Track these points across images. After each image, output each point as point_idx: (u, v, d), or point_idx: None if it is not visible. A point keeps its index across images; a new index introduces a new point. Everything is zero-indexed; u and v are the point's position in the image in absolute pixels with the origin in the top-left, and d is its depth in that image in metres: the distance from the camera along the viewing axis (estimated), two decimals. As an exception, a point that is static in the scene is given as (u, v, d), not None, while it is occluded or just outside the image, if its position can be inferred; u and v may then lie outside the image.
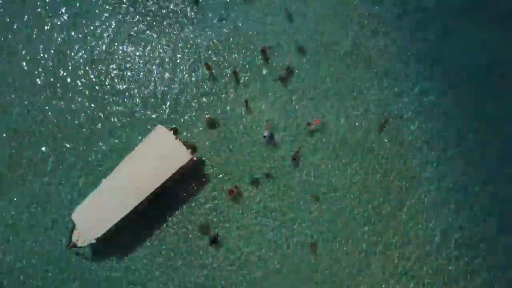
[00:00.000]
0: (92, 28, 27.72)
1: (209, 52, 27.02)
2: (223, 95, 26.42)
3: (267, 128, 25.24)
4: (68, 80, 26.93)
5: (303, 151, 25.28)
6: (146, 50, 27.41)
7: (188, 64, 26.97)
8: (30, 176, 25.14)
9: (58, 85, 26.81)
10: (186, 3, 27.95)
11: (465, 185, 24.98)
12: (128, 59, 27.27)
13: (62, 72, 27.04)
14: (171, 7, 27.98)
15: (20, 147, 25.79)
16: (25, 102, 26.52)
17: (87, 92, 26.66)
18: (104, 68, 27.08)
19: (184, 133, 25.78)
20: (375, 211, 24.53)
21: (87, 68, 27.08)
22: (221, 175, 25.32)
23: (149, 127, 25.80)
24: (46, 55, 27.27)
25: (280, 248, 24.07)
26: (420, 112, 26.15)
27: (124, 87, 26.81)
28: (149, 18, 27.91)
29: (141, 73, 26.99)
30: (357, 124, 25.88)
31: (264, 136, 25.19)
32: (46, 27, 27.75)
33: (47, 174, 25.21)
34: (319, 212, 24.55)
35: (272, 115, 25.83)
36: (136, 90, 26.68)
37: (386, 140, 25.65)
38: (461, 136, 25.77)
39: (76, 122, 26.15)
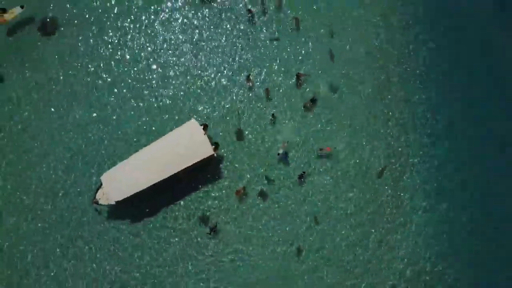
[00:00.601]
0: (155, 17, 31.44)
1: (253, 65, 30.47)
2: (253, 105, 29.76)
3: (283, 146, 28.41)
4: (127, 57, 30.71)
5: (309, 172, 28.35)
6: (199, 55, 30.97)
7: (232, 71, 30.42)
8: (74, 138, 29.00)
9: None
10: (242, 19, 31.47)
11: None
12: (177, 57, 30.87)
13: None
14: (231, 15, 31.50)
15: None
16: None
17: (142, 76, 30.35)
18: (159, 58, 30.75)
19: (211, 131, 29.06)
20: (361, 241, 27.41)
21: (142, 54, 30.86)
22: (233, 176, 28.48)
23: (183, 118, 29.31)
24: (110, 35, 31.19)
25: (266, 249, 27.11)
26: (425, 162, 29.03)
27: (172, 78, 30.39)
28: (205, 24, 31.53)
29: (189, 69, 30.44)
30: (363, 159, 28.81)
31: (278, 154, 28.33)
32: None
33: (91, 135, 28.97)
34: (311, 230, 27.54)
35: (290, 135, 29.04)
36: (182, 82, 30.19)
37: (385, 182, 28.58)
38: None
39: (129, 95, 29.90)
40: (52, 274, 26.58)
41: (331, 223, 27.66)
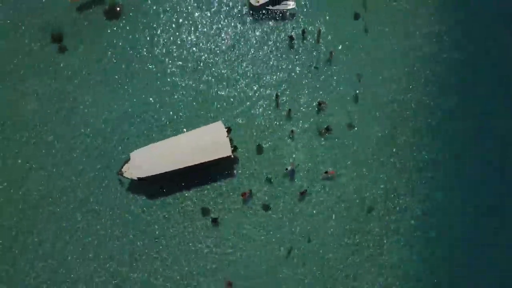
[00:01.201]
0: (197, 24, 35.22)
1: (284, 85, 33.86)
2: (275, 121, 33.09)
3: (291, 164, 31.69)
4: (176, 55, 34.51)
5: (310, 190, 31.50)
6: (240, 66, 34.59)
7: (264, 86, 33.92)
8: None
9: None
10: (283, 43, 34.89)
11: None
12: (221, 63, 34.48)
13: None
14: (275, 38, 35.04)
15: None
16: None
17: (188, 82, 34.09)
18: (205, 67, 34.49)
19: (233, 134, 32.43)
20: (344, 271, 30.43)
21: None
22: (242, 179, 31.80)
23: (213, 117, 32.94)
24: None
25: (259, 249, 30.39)
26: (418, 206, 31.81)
27: (212, 81, 34.11)
28: (251, 40, 35.05)
29: (229, 76, 34.12)
30: (361, 188, 31.79)
31: (286, 169, 31.63)
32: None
33: (131, 112, 32.96)
34: (302, 242, 30.67)
35: (301, 155, 32.28)
36: (220, 86, 33.89)
37: (376, 216, 31.44)
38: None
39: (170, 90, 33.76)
40: (69, 228, 30.35)
41: (319, 239, 30.64)
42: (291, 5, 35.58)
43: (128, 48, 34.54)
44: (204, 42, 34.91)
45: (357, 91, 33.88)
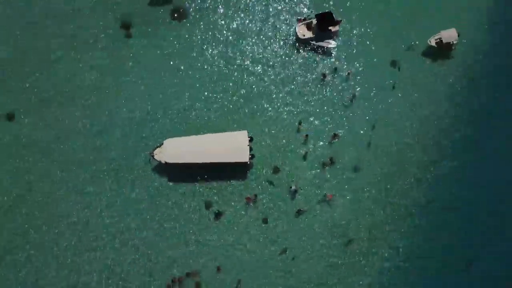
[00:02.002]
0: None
1: (308, 114, 38.24)
2: (292, 143, 37.44)
3: (295, 185, 35.95)
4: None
5: (307, 210, 35.62)
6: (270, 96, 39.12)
7: (292, 113, 38.31)
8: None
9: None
10: (315, 80, 39.26)
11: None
12: (263, 82, 39.07)
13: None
14: (310, 74, 39.48)
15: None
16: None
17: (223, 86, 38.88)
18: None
19: (254, 145, 36.82)
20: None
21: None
22: (251, 185, 36.18)
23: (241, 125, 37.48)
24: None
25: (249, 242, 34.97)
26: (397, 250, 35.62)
27: (253, 94, 38.76)
28: (291, 68, 39.49)
29: (265, 93, 38.67)
30: (355, 217, 35.78)
31: (291, 187, 35.97)
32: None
33: (174, 106, 37.85)
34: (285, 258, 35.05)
35: (305, 178, 36.50)
36: (256, 102, 38.51)
37: (358, 249, 35.39)
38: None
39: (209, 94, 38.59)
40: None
41: (303, 257, 34.95)
42: (332, 44, 39.73)
43: (181, 49, 39.32)
44: (249, 60, 39.43)
45: (371, 134, 37.85)
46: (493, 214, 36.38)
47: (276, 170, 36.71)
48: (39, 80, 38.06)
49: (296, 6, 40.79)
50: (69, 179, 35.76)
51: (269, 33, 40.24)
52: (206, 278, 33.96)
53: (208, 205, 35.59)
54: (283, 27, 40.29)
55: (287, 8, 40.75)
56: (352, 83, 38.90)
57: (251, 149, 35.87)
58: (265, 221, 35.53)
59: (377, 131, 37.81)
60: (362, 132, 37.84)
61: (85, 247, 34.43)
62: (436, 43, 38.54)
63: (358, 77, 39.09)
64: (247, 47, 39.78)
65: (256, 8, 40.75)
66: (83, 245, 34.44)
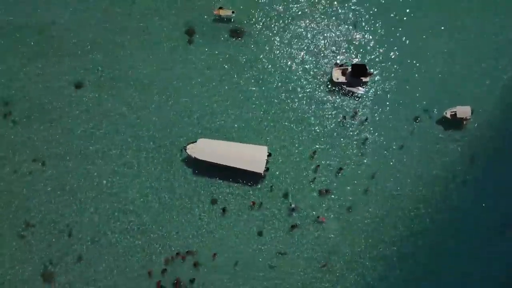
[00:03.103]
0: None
1: (322, 147, 43.87)
2: (305, 170, 43.18)
3: (295, 204, 41.82)
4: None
5: (300, 226, 41.39)
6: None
7: (311, 142, 44.05)
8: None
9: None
10: (333, 124, 44.81)
11: None
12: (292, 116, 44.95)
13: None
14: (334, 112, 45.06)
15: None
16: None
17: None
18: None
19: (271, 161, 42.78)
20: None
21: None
22: (258, 193, 42.24)
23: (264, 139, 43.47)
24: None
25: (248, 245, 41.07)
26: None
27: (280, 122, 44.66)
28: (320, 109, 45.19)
29: (290, 121, 44.59)
30: (337, 241, 41.34)
31: (291, 204, 41.87)
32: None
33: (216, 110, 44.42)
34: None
35: (306, 199, 42.32)
36: (279, 125, 44.47)
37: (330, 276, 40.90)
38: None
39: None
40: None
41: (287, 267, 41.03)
42: (361, 91, 45.12)
43: (229, 64, 45.48)
44: (283, 88, 45.37)
45: (370, 180, 43.23)
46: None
47: (283, 187, 42.58)
48: (106, 62, 45.18)
49: (338, 52, 46.32)
50: (121, 149, 43.08)
51: (308, 68, 45.85)
52: (203, 260, 40.38)
53: (214, 201, 41.84)
54: (322, 66, 45.89)
55: (330, 51, 46.33)
56: (367, 129, 44.22)
57: (267, 163, 41.82)
58: (260, 233, 41.50)
59: (377, 178, 43.16)
60: (364, 175, 43.28)
61: (115, 207, 41.80)
62: (451, 115, 43.30)
63: (374, 126, 44.38)
64: (284, 75, 45.58)
65: (303, 45, 46.47)
66: (112, 206, 41.70)
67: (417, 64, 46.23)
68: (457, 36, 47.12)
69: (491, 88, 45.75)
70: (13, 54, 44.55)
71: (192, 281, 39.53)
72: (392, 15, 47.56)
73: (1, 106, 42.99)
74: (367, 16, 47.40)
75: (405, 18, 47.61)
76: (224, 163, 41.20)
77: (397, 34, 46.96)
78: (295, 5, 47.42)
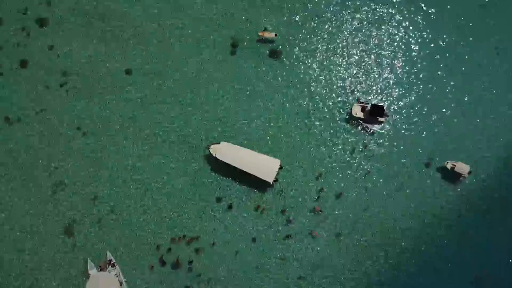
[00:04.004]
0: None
1: (328, 172, 48.49)
2: (310, 189, 47.98)
3: (292, 217, 46.64)
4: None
5: (292, 236, 46.23)
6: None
7: (318, 167, 48.84)
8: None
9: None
10: (345, 156, 49.42)
11: None
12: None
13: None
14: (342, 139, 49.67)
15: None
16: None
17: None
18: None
19: (281, 173, 47.66)
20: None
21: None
22: (264, 199, 47.27)
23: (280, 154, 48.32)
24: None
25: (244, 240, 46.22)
26: None
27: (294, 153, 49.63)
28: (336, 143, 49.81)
29: (302, 143, 49.42)
30: (321, 256, 46.12)
31: (289, 217, 46.85)
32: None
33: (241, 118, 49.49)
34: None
35: (305, 214, 47.07)
36: (293, 144, 49.32)
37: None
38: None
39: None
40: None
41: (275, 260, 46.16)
42: (375, 128, 49.50)
43: (263, 79, 50.46)
44: (305, 110, 50.09)
45: (362, 212, 47.89)
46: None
47: (288, 198, 47.45)
48: (156, 55, 50.59)
49: (362, 89, 50.72)
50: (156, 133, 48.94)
51: (332, 97, 50.35)
52: (204, 246, 45.78)
53: (221, 198, 47.18)
54: (345, 99, 50.37)
55: (355, 86, 50.68)
56: (372, 164, 48.65)
57: (277, 174, 46.74)
58: (254, 239, 46.69)
59: (370, 211, 47.74)
60: (359, 205, 47.93)
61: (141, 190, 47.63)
62: (450, 167, 47.32)
63: (378, 163, 48.75)
64: (309, 99, 50.23)
65: (332, 76, 50.97)
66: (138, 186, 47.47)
67: (431, 112, 50.08)
68: (481, 93, 50.60)
69: (499, 153, 49.28)
70: (82, 36, 50.48)
71: (190, 262, 44.82)
72: (418, 67, 51.71)
73: (60, 76, 49.03)
74: (394, 62, 51.54)
75: (424, 65, 51.33)
76: (240, 167, 46.29)
77: (419, 84, 50.88)
78: (332, 41, 51.81)
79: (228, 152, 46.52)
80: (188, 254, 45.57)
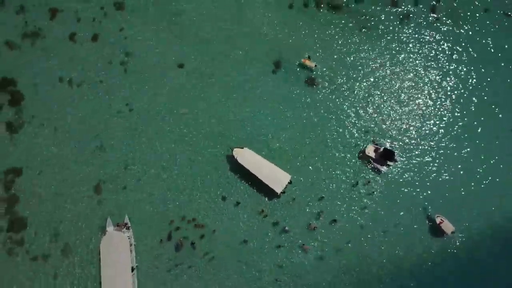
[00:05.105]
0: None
1: (330, 198, 54.03)
2: (312, 208, 53.63)
3: (288, 227, 52.34)
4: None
5: (285, 246, 52.10)
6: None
7: (322, 190, 54.47)
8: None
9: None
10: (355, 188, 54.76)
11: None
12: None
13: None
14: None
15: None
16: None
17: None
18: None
19: (290, 187, 53.50)
20: None
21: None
22: (269, 205, 53.15)
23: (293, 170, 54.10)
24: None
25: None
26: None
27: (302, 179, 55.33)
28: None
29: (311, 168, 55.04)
30: (306, 270, 51.85)
31: (284, 227, 52.44)
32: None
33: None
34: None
35: (301, 227, 52.78)
36: (306, 164, 55.04)
37: None
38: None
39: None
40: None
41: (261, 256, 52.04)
42: (383, 169, 54.63)
43: (297, 100, 56.39)
44: (324, 142, 55.79)
45: (347, 246, 53.00)
46: None
47: (289, 210, 53.34)
48: (208, 57, 57.37)
49: (379, 133, 55.96)
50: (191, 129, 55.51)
51: (350, 132, 55.80)
52: (207, 233, 52.27)
53: (230, 195, 53.24)
54: (361, 137, 55.72)
55: (373, 128, 55.99)
56: (370, 201, 53.84)
57: (285, 187, 52.68)
58: (245, 241, 52.46)
59: (352, 244, 52.67)
60: (347, 235, 52.89)
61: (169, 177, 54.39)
62: (438, 222, 52.09)
63: (376, 202, 53.84)
64: (331, 128, 55.85)
65: (356, 115, 56.42)
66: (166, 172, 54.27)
67: (439, 170, 54.85)
68: (493, 166, 54.98)
69: (489, 221, 53.43)
70: (150, 25, 57.86)
71: (192, 243, 51.35)
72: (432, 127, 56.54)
73: (123, 55, 56.27)
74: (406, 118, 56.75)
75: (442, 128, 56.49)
76: (254, 173, 52.45)
77: (435, 143, 55.68)
78: (364, 85, 57.31)
79: (248, 157, 52.72)
80: (192, 236, 52.01)
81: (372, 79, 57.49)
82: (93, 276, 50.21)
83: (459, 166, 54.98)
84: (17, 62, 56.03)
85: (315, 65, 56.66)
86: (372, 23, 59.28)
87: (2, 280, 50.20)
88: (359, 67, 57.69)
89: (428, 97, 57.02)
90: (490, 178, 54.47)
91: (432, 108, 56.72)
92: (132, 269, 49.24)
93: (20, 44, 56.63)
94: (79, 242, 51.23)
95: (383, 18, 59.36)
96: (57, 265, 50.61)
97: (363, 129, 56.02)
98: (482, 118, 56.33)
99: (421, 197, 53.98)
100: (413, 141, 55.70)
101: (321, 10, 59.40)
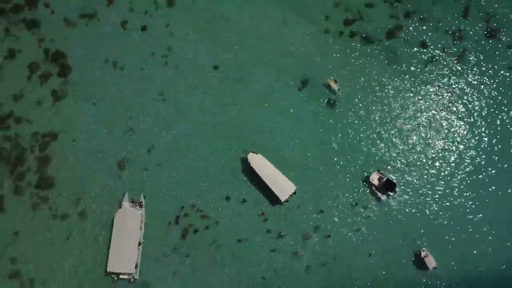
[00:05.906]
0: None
1: (329, 215, 58.05)
2: (311, 220, 57.77)
3: (285, 232, 56.60)
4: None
5: (279, 253, 56.41)
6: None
7: (322, 204, 58.51)
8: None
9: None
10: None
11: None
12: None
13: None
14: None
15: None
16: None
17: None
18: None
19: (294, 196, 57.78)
20: None
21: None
22: (271, 210, 57.49)
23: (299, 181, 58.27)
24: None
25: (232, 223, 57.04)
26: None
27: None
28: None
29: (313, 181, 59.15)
30: (298, 279, 56.14)
31: (281, 232, 56.63)
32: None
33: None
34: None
35: (298, 235, 57.03)
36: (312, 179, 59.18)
37: None
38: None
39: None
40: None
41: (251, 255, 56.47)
42: (383, 198, 58.27)
43: (315, 119, 60.65)
44: (336, 155, 59.83)
45: (333, 261, 56.99)
46: None
47: (288, 218, 57.60)
48: (239, 64, 62.14)
49: (386, 163, 59.74)
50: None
51: (359, 158, 59.66)
52: (210, 224, 57.02)
53: (231, 196, 57.68)
54: (368, 163, 59.56)
55: (380, 159, 59.88)
56: (365, 224, 57.50)
57: (289, 196, 56.99)
58: (241, 240, 56.80)
59: (337, 261, 56.43)
60: (336, 252, 56.75)
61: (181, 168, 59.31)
62: (423, 256, 55.55)
63: (370, 226, 57.54)
64: (340, 150, 59.89)
65: (368, 142, 60.27)
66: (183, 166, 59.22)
67: (436, 213, 58.03)
68: (491, 217, 57.94)
69: (471, 268, 56.42)
70: (193, 25, 63.00)
71: (195, 231, 56.20)
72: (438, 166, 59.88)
73: (166, 50, 61.65)
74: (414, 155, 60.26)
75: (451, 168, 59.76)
76: (263, 178, 56.94)
77: (438, 186, 59.00)
78: (382, 116, 61.11)
79: (260, 163, 57.20)
80: (197, 225, 56.79)
81: (389, 113, 61.20)
82: (101, 245, 55.30)
83: (456, 212, 57.98)
84: (71, 38, 61.59)
85: (338, 89, 60.56)
86: (402, 60, 62.74)
87: (22, 228, 55.74)
88: (379, 99, 61.41)
89: (439, 142, 60.43)
90: (485, 229, 57.54)
91: (441, 153, 60.00)
92: (139, 244, 54.40)
93: (76, 22, 62.15)
94: (96, 210, 56.51)
95: (411, 57, 62.65)
96: (71, 228, 55.92)
97: (372, 156, 59.78)
98: (490, 169, 59.49)
99: (413, 229, 57.40)
100: (416, 179, 59.23)
101: (355, 40, 63.16)
